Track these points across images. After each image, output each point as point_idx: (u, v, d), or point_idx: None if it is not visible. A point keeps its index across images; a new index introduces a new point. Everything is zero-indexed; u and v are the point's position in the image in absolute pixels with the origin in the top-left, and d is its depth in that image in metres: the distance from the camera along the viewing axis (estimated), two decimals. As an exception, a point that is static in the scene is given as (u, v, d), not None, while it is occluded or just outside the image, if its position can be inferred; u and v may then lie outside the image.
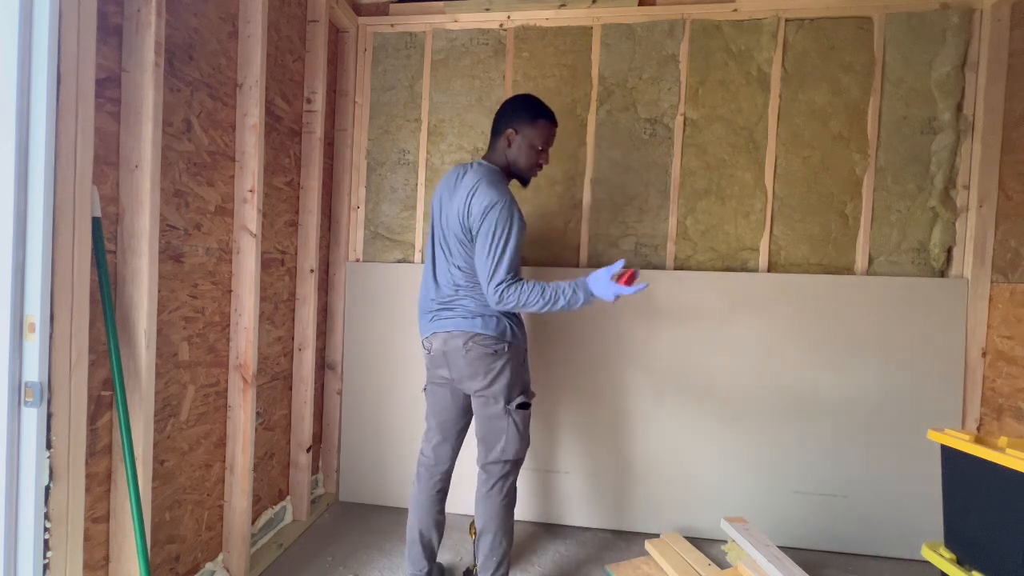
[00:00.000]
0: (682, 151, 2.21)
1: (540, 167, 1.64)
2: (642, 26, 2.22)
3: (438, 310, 1.60)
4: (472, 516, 1.81)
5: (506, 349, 1.53)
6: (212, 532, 1.70)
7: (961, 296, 2.03)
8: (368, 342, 2.38)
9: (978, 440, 1.45)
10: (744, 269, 2.19)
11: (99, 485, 1.29)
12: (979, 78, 2.04)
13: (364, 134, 2.42)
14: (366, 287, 2.39)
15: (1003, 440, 1.41)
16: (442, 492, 1.70)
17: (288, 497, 2.15)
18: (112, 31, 1.26)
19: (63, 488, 1.12)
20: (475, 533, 1.69)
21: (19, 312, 1.05)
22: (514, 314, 1.60)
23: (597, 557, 2.02)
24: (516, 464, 1.61)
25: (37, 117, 1.04)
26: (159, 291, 1.40)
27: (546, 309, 1.48)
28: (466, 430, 1.72)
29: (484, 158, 1.64)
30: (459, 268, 1.56)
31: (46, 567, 1.10)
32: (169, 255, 1.45)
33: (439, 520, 1.70)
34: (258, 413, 1.91)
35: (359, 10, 2.38)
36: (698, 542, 2.07)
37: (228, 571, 1.73)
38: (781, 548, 1.82)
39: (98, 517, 1.30)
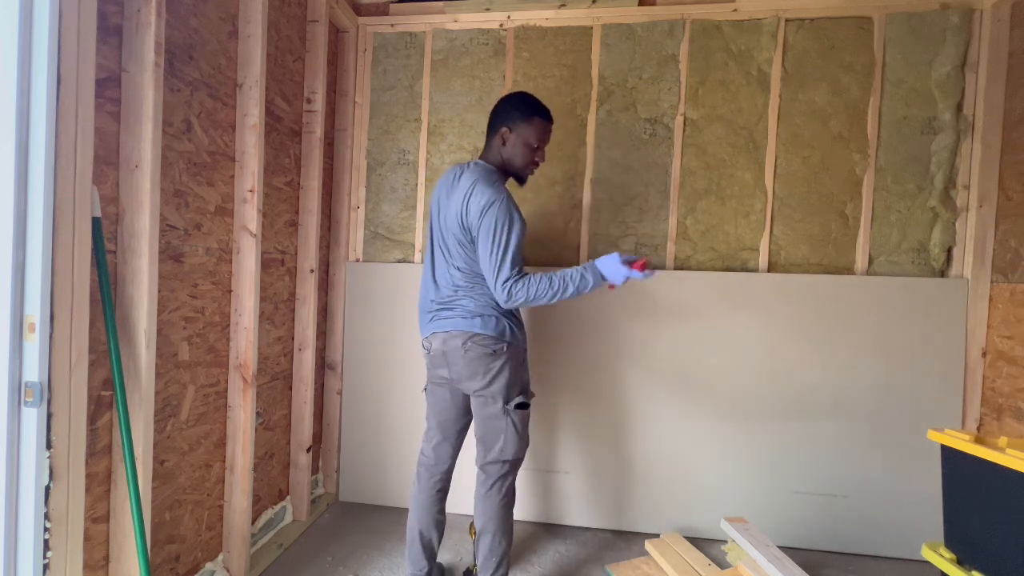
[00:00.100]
0: (682, 151, 2.21)
1: (536, 165, 1.63)
2: (642, 26, 2.22)
3: (438, 310, 1.60)
4: (472, 516, 1.81)
5: (505, 349, 1.53)
6: (212, 532, 1.70)
7: (961, 296, 2.03)
8: (368, 342, 2.38)
9: (978, 440, 1.45)
10: (744, 269, 2.19)
11: (99, 485, 1.29)
12: (979, 78, 2.04)
13: (364, 134, 2.42)
14: (366, 287, 2.39)
15: (1003, 440, 1.41)
16: (442, 492, 1.70)
17: (288, 497, 2.15)
18: (112, 31, 1.26)
19: (63, 488, 1.12)
20: (475, 533, 1.69)
21: (19, 312, 1.05)
22: (514, 314, 1.60)
23: (597, 557, 2.02)
24: (515, 464, 1.61)
25: (37, 117, 1.04)
26: (159, 291, 1.40)
27: (556, 298, 1.47)
28: (466, 430, 1.72)
29: (481, 157, 1.64)
30: (458, 269, 1.56)
31: (46, 567, 1.10)
32: (169, 255, 1.45)
33: (439, 520, 1.70)
34: (258, 413, 1.91)
35: (359, 10, 2.38)
36: (698, 542, 2.07)
37: (228, 571, 1.73)
38: (781, 548, 1.82)
39: (98, 517, 1.30)
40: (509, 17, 2.29)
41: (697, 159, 2.21)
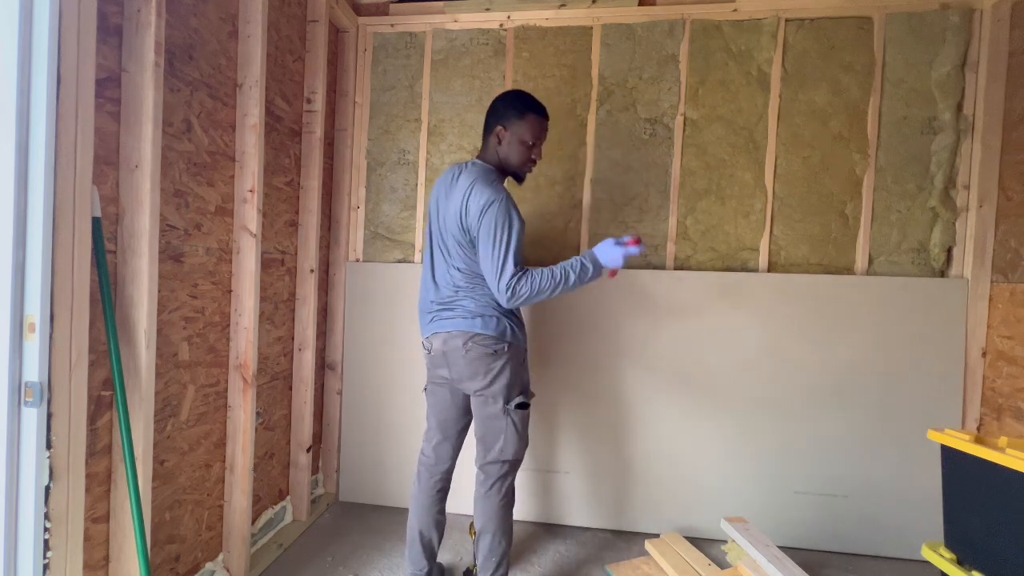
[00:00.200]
0: (682, 151, 2.21)
1: (533, 163, 1.63)
2: (642, 26, 2.22)
3: (438, 311, 1.60)
4: (472, 516, 1.81)
5: (506, 349, 1.53)
6: (212, 532, 1.70)
7: (961, 296, 2.03)
8: (368, 342, 2.38)
9: (978, 440, 1.45)
10: (744, 269, 2.19)
11: (99, 485, 1.29)
12: (979, 78, 2.04)
13: (364, 134, 2.42)
14: (366, 287, 2.39)
15: (1003, 440, 1.41)
16: (442, 492, 1.70)
17: (288, 497, 2.15)
18: (112, 31, 1.26)
19: (63, 488, 1.12)
20: (475, 533, 1.68)
21: (19, 312, 1.05)
22: (514, 314, 1.60)
23: (597, 557, 2.02)
24: (515, 464, 1.61)
25: (37, 117, 1.04)
26: (159, 291, 1.40)
27: (559, 291, 1.48)
28: (467, 430, 1.72)
29: (478, 157, 1.64)
30: (458, 269, 1.56)
31: (46, 567, 1.10)
32: (169, 255, 1.45)
33: (439, 520, 1.70)
34: (258, 413, 1.91)
35: (359, 10, 2.38)
36: (698, 542, 2.07)
37: (228, 571, 1.73)
38: (781, 548, 1.83)
39: (98, 517, 1.30)
40: (509, 17, 2.29)
41: (697, 159, 2.21)
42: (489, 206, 1.46)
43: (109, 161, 1.27)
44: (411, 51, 2.38)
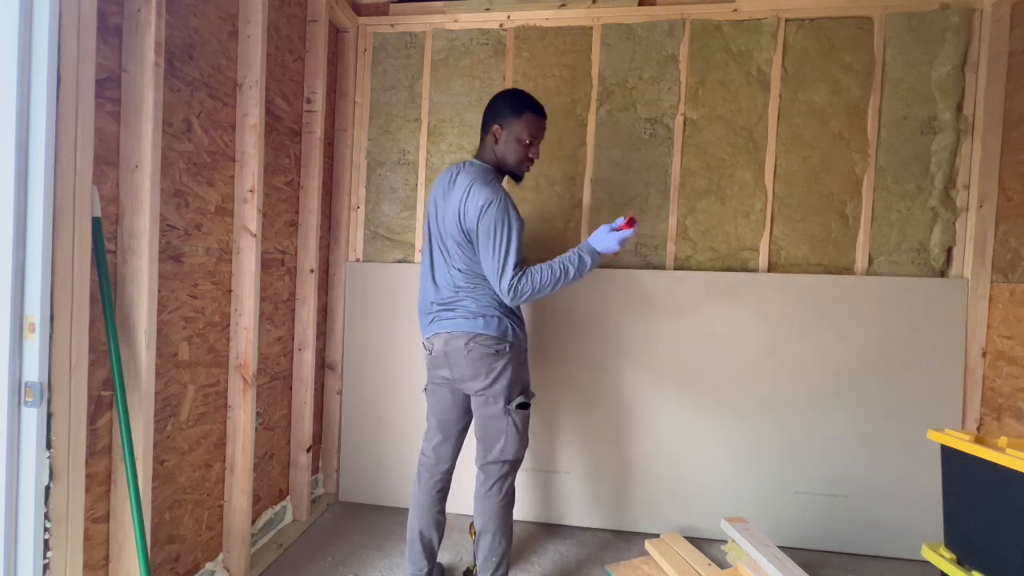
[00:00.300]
0: (682, 151, 2.22)
1: (531, 162, 1.62)
2: (642, 26, 2.22)
3: (439, 311, 1.60)
4: (472, 516, 1.81)
5: (507, 349, 1.53)
6: (212, 532, 1.70)
7: (961, 296, 2.03)
8: (368, 342, 2.38)
9: (978, 440, 1.45)
10: (744, 269, 2.19)
11: (99, 485, 1.29)
12: (979, 78, 2.04)
13: (364, 134, 2.42)
14: (366, 287, 2.39)
15: (1003, 440, 1.41)
16: (443, 492, 1.70)
17: (288, 497, 2.15)
18: (112, 31, 1.26)
19: (63, 488, 1.12)
20: (475, 533, 1.68)
21: (19, 312, 1.05)
22: (515, 314, 1.60)
23: (597, 557, 2.02)
24: (515, 464, 1.61)
25: (37, 117, 1.04)
26: (159, 291, 1.40)
27: (560, 285, 1.49)
28: (467, 430, 1.72)
29: (476, 157, 1.64)
30: (458, 270, 1.56)
31: (46, 567, 1.10)
32: (169, 255, 1.45)
33: (439, 520, 1.70)
34: (258, 413, 1.91)
35: (359, 10, 2.38)
36: (698, 542, 2.07)
37: (228, 571, 1.73)
38: (781, 548, 1.83)
39: (98, 517, 1.30)
40: (509, 17, 2.29)
41: (697, 159, 2.21)
42: (488, 206, 1.45)
43: (109, 161, 1.27)
44: (411, 51, 2.38)
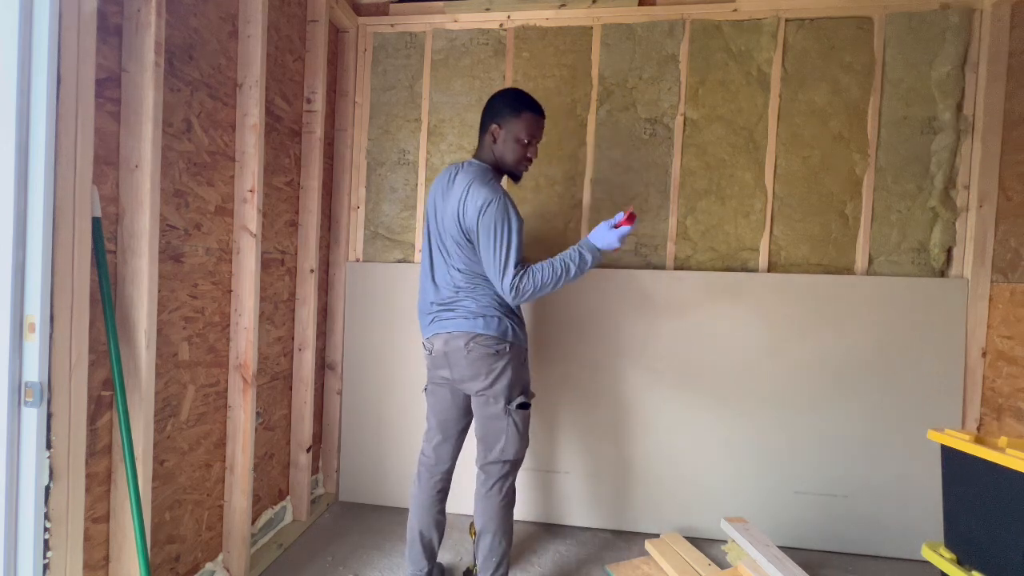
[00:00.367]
0: (682, 151, 2.22)
1: (529, 161, 1.62)
2: (642, 26, 2.22)
3: (439, 311, 1.59)
4: (472, 516, 1.81)
5: (507, 349, 1.53)
6: (212, 532, 1.70)
7: (961, 296, 2.03)
8: (368, 342, 2.38)
9: (978, 440, 1.45)
10: (744, 269, 2.19)
11: (99, 485, 1.29)
12: (979, 78, 2.04)
13: (364, 134, 2.42)
14: (366, 287, 2.39)
15: (1003, 440, 1.41)
16: (443, 492, 1.70)
17: (288, 497, 2.15)
18: (112, 31, 1.26)
19: (63, 488, 1.12)
20: (475, 533, 1.68)
21: (19, 312, 1.05)
22: (515, 314, 1.60)
23: (597, 557, 2.02)
24: (515, 464, 1.61)
25: (37, 117, 1.04)
26: (159, 291, 1.40)
27: (562, 282, 1.50)
28: (467, 430, 1.72)
29: (474, 156, 1.63)
30: (458, 270, 1.56)
31: (46, 567, 1.10)
32: (169, 255, 1.45)
33: (439, 520, 1.70)
34: (258, 413, 1.91)
35: (359, 10, 2.38)
36: (698, 542, 2.07)
37: (228, 571, 1.73)
38: (781, 548, 1.83)
39: (98, 517, 1.30)
40: (509, 17, 2.29)
41: (697, 159, 2.21)
42: (487, 206, 1.45)
43: (109, 161, 1.27)
44: (411, 51, 2.38)
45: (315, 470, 2.34)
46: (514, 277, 1.46)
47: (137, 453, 1.29)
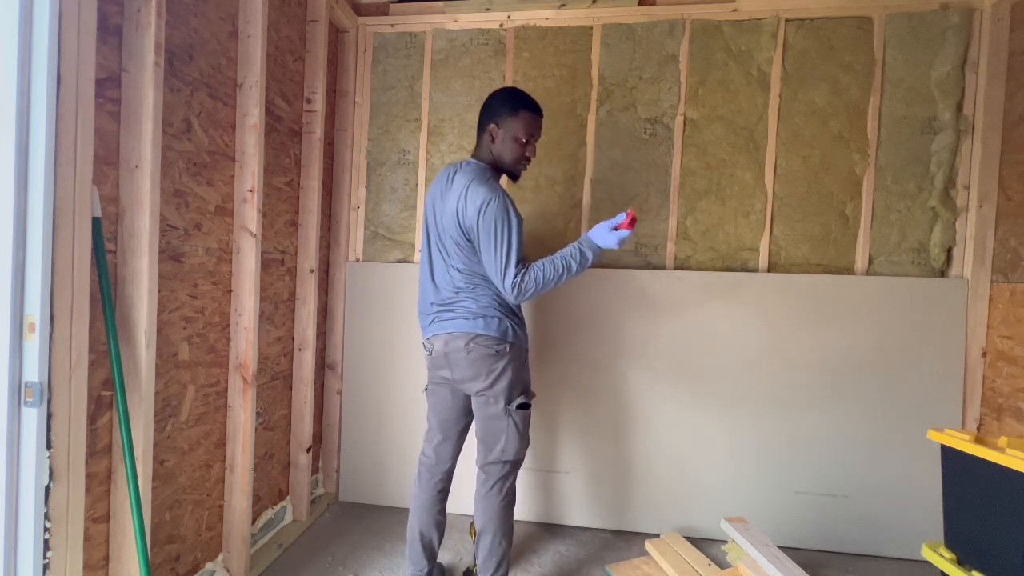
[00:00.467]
0: (682, 151, 2.22)
1: (527, 160, 1.61)
2: (642, 26, 2.22)
3: (439, 312, 1.59)
4: (472, 516, 1.81)
5: (508, 350, 1.53)
6: (212, 532, 1.70)
7: (961, 296, 2.03)
8: (368, 342, 2.38)
9: (978, 440, 1.45)
10: (744, 269, 2.19)
11: (99, 485, 1.29)
12: (979, 78, 2.04)
13: (364, 134, 2.42)
14: (366, 287, 2.39)
15: (1003, 440, 1.41)
16: (443, 492, 1.70)
17: (288, 497, 2.15)
18: (112, 31, 1.26)
19: (63, 488, 1.12)
20: (475, 533, 1.68)
21: (19, 312, 1.05)
22: (516, 314, 1.60)
23: (597, 557, 2.02)
24: (516, 465, 1.61)
25: (37, 117, 1.04)
26: (159, 291, 1.40)
27: (563, 280, 1.50)
28: (467, 430, 1.72)
29: (473, 156, 1.63)
30: (458, 270, 1.56)
31: (46, 567, 1.10)
32: (169, 255, 1.45)
33: (439, 520, 1.70)
34: (258, 413, 1.91)
35: (359, 10, 2.38)
36: (698, 542, 2.07)
37: (228, 571, 1.73)
38: (781, 548, 1.83)
39: (98, 517, 1.30)
40: (509, 17, 2.29)
41: (697, 159, 2.21)
42: (486, 205, 1.45)
43: (109, 161, 1.27)
44: (411, 51, 2.38)
45: (315, 470, 2.34)
46: (515, 276, 1.46)
47: (137, 453, 1.29)
